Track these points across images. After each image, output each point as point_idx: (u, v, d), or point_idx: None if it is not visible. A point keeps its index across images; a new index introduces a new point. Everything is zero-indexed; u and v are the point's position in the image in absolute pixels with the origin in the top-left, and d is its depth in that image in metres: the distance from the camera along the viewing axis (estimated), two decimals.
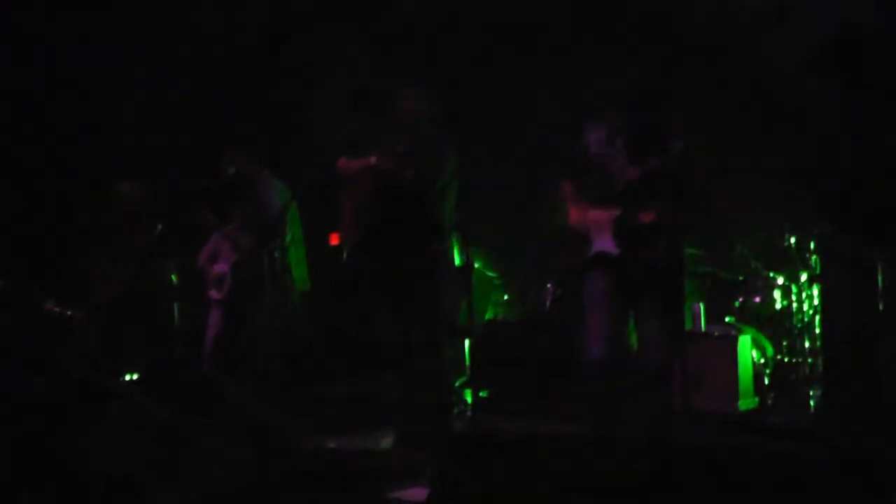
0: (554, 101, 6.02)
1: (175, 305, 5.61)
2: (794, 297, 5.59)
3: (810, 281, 5.50)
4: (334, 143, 4.96)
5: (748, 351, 5.50)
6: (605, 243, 3.91)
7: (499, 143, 6.48)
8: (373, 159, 4.41)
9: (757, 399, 5.46)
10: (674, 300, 3.99)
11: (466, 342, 5.99)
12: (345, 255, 4.60)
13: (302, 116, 6.88)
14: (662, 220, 3.80)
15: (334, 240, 4.85)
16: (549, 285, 6.45)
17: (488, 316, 6.91)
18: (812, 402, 5.38)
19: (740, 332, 5.62)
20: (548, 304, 6.42)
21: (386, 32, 6.62)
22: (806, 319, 5.54)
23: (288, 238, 5.19)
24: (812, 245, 5.50)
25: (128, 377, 5.42)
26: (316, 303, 5.94)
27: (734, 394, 5.35)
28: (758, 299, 5.79)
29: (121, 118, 6.53)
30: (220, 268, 5.63)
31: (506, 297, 7.00)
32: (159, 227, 5.67)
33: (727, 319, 5.84)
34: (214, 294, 5.62)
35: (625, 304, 3.94)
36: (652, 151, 3.86)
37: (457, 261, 4.97)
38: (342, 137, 5.01)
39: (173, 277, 5.72)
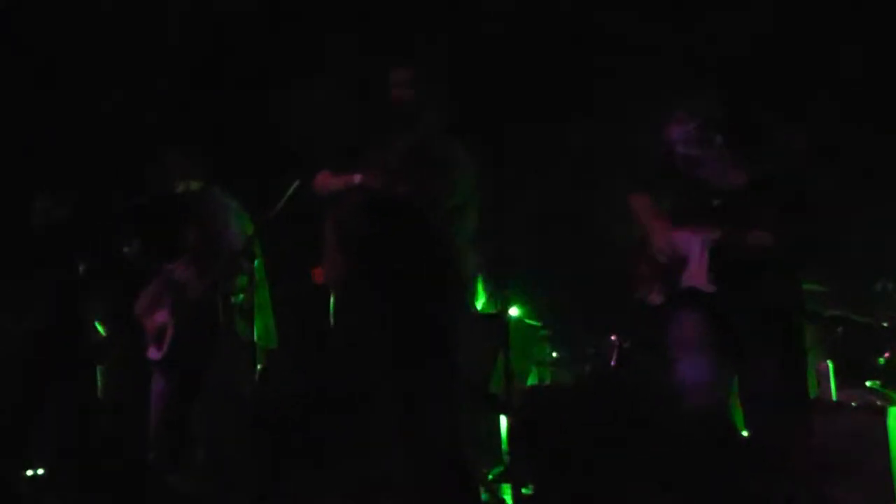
0: (617, 84, 6.07)
1: (99, 370, 5.70)
2: None
3: None
4: (310, 150, 5.04)
5: None
6: (697, 276, 3.86)
7: (540, 146, 6.68)
8: (357, 177, 4.43)
9: None
10: (793, 356, 3.91)
11: (502, 418, 5.95)
12: (331, 298, 4.59)
13: (265, 114, 7.04)
14: (779, 243, 3.75)
15: (318, 276, 4.78)
16: (613, 336, 6.39)
17: (531, 380, 6.89)
18: None
19: (889, 401, 5.38)
20: (613, 360, 6.36)
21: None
22: None
23: (245, 280, 5.20)
24: None
25: (30, 473, 5.40)
26: (292, 362, 6.04)
27: (886, 491, 5.02)
28: None
29: (42, 112, 6.88)
30: (161, 318, 5.55)
31: (554, 355, 6.99)
32: (81, 266, 5.77)
33: (868, 384, 5.67)
34: (154, 353, 5.54)
35: (726, 361, 3.86)
36: (763, 150, 3.84)
37: (486, 307, 5.10)
38: (321, 143, 5.13)
39: (99, 329, 5.75)
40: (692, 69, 4.27)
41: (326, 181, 4.59)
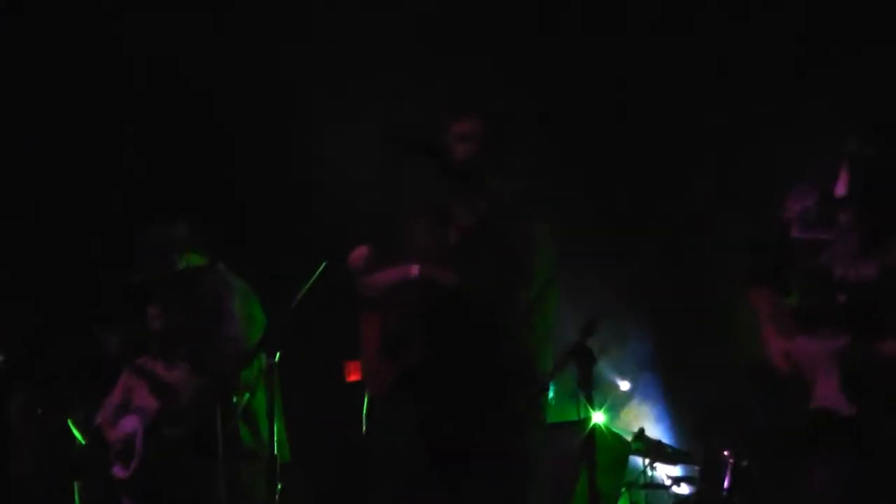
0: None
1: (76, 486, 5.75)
2: None
3: None
4: (344, 220, 5.29)
5: None
6: (829, 393, 3.77)
7: (627, 218, 6.78)
8: (414, 269, 4.33)
9: None
10: None
11: None
12: (367, 405, 4.61)
13: (288, 172, 7.11)
14: None
15: (353, 373, 5.09)
16: (725, 452, 6.22)
17: None
18: None
19: None
20: (726, 482, 6.19)
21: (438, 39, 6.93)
22: None
23: (252, 376, 5.23)
24: None
25: None
26: (314, 482, 5.86)
27: None
28: None
29: None
30: (128, 426, 5.51)
31: (650, 473, 6.86)
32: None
33: None
34: (119, 471, 5.50)
35: None
36: None
37: (565, 413, 5.05)
38: (357, 211, 4.78)
39: (77, 436, 5.76)
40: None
41: (367, 264, 4.50)
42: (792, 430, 3.95)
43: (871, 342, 3.77)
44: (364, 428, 4.68)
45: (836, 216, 3.93)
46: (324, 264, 4.68)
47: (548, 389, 4.42)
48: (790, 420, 3.94)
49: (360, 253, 4.53)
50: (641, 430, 6.90)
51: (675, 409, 7.43)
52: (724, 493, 6.21)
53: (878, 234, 3.87)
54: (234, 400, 5.17)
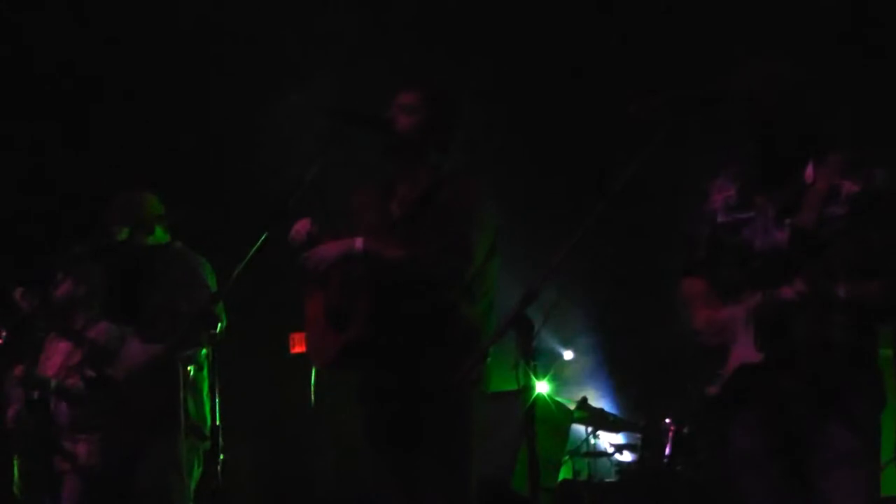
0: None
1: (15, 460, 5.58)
2: None
3: None
4: (288, 193, 4.75)
5: None
6: (745, 350, 3.83)
7: (572, 187, 6.84)
8: (358, 243, 4.32)
9: None
10: (867, 443, 3.75)
11: None
12: (314, 375, 4.60)
13: (235, 151, 7.10)
14: (820, 291, 3.67)
15: (298, 345, 5.13)
16: (667, 420, 6.32)
17: (563, 474, 6.87)
18: None
19: None
20: (667, 449, 6.31)
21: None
22: None
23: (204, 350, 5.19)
24: None
25: None
26: (255, 453, 5.92)
27: None
28: None
29: None
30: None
31: (592, 442, 6.92)
32: None
33: None
34: (63, 416, 5.38)
35: (792, 469, 3.81)
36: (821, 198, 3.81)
37: (506, 383, 4.77)
38: (301, 185, 4.78)
39: None
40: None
41: (307, 235, 4.49)
42: (717, 394, 3.97)
43: (774, 292, 3.82)
44: (312, 399, 4.68)
45: (754, 197, 4.00)
46: (264, 236, 4.66)
47: (487, 358, 4.43)
48: (713, 385, 3.96)
49: (301, 226, 4.52)
50: (584, 399, 6.95)
51: (618, 377, 7.47)
52: (666, 460, 6.30)
53: (789, 205, 3.91)
54: (191, 371, 5.18)
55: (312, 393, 4.65)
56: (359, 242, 4.32)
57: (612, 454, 6.89)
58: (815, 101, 4.04)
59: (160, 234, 5.55)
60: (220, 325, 4.95)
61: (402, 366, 4.34)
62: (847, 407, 3.73)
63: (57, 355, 5.57)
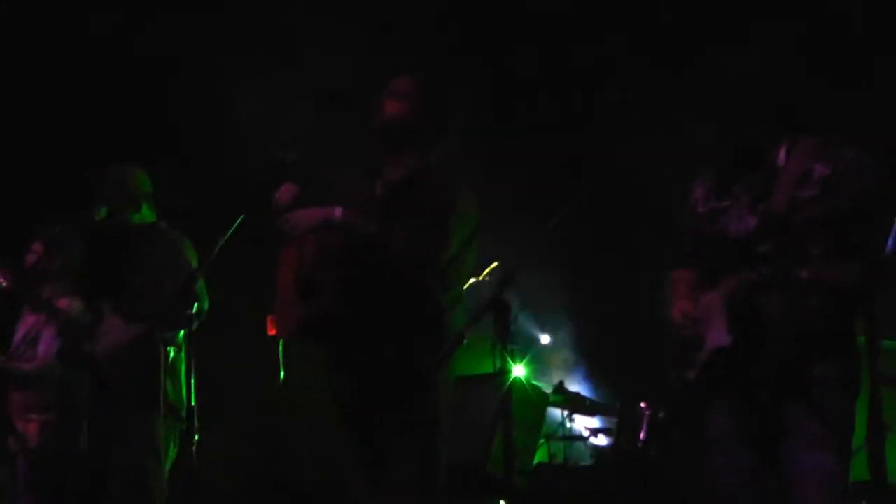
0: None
1: None
2: None
3: None
4: (270, 169, 4.86)
5: None
6: (719, 335, 3.89)
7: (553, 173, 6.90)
8: (338, 211, 4.33)
9: None
10: (839, 429, 3.78)
11: None
12: (282, 351, 4.80)
13: (207, 127, 7.10)
14: (783, 273, 3.74)
15: (273, 327, 4.79)
16: (642, 405, 6.35)
17: (539, 458, 6.82)
18: None
19: None
20: (642, 434, 6.31)
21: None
22: None
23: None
24: None
25: None
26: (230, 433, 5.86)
27: None
28: None
29: None
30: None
31: (569, 425, 6.89)
32: None
33: None
34: (24, 364, 5.53)
35: (765, 454, 3.86)
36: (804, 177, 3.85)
37: (483, 367, 4.96)
38: (284, 161, 4.84)
39: None
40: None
41: (301, 214, 4.46)
42: (693, 379, 4.00)
43: (745, 276, 3.88)
44: (282, 375, 4.70)
45: (730, 186, 4.03)
46: (241, 218, 4.62)
47: (461, 343, 4.32)
48: (690, 370, 4.01)
49: (287, 189, 4.51)
50: (561, 383, 6.94)
51: (594, 362, 7.46)
52: (641, 445, 6.28)
53: (762, 190, 3.95)
54: (171, 353, 5.19)
55: (281, 367, 4.78)
56: (338, 212, 4.31)
57: (588, 438, 6.90)
58: (788, 91, 4.08)
59: (146, 213, 5.53)
60: (197, 304, 4.98)
61: (367, 343, 4.32)
62: (819, 393, 3.75)
63: (20, 331, 5.59)
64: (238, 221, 4.66)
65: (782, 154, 3.85)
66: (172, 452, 5.35)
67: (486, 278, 5.78)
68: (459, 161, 4.54)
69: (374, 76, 4.70)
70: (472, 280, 4.86)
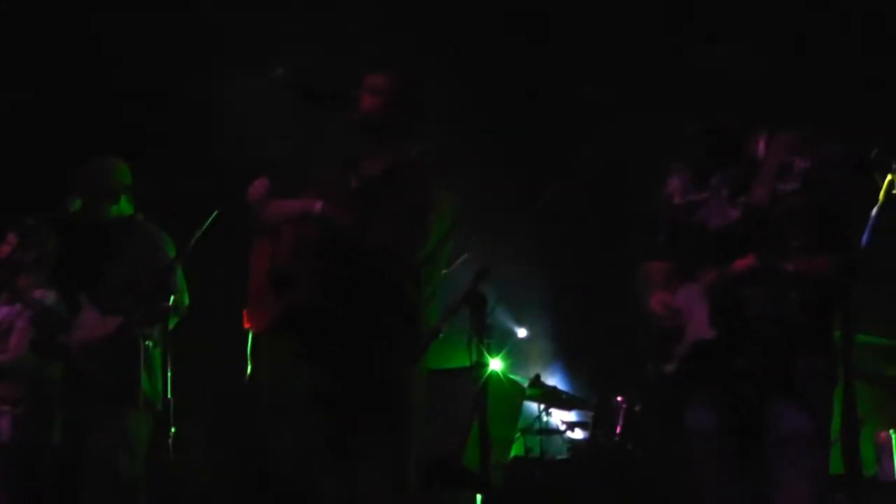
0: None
1: None
2: None
3: None
4: (246, 162, 5.03)
5: None
6: (700, 327, 3.88)
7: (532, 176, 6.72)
8: (318, 205, 4.34)
9: None
10: (819, 422, 3.77)
11: (478, 500, 5.97)
12: (251, 344, 4.62)
13: (188, 121, 7.05)
14: (769, 266, 3.70)
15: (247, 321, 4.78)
16: (618, 398, 6.34)
17: (515, 451, 6.83)
18: None
19: None
20: (618, 428, 6.33)
21: None
22: None
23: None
24: None
25: None
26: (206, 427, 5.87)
27: None
28: None
29: None
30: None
31: (544, 419, 6.94)
32: None
33: None
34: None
35: (745, 447, 3.85)
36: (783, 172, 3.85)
37: (458, 360, 4.84)
38: (260, 155, 4.95)
39: None
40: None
41: (278, 205, 4.46)
42: (673, 372, 4.00)
43: (728, 268, 3.86)
44: (248, 368, 4.66)
45: (708, 178, 4.02)
46: (216, 213, 4.64)
47: (437, 337, 4.32)
48: (669, 364, 4.01)
49: (259, 184, 4.49)
50: (537, 376, 6.95)
51: (571, 355, 7.49)
52: (617, 438, 6.31)
53: (741, 183, 3.94)
54: (149, 345, 5.16)
55: (248, 360, 4.64)
56: (318, 205, 4.31)
57: (564, 432, 6.90)
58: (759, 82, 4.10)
59: (124, 205, 5.49)
60: (174, 297, 5.10)
61: (342, 336, 4.31)
62: (799, 386, 3.76)
63: None
64: (213, 216, 4.67)
65: (761, 146, 3.86)
66: (147, 446, 5.30)
67: (459, 266, 5.81)
68: (437, 155, 4.55)
69: (357, 72, 4.68)
70: (444, 271, 4.84)
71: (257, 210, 4.48)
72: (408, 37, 6.90)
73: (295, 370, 4.46)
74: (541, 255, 7.06)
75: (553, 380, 7.32)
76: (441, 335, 4.38)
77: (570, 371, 7.48)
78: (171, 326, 5.27)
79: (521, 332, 7.80)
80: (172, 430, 5.06)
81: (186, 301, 5.39)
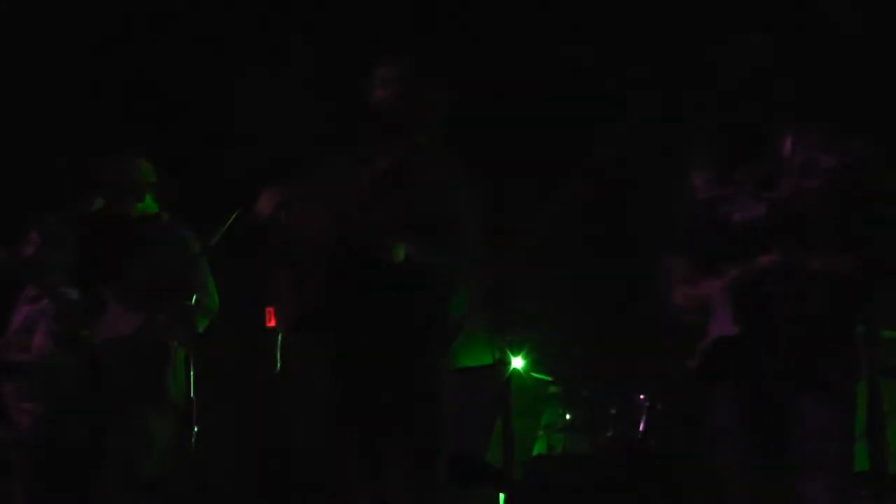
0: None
1: None
2: None
3: None
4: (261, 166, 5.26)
5: None
6: (724, 323, 3.88)
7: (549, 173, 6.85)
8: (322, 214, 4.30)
9: None
10: (844, 419, 3.80)
11: (501, 497, 5.88)
12: (280, 341, 4.74)
13: (205, 121, 7.09)
14: (795, 262, 3.73)
15: (272, 318, 4.75)
16: (640, 396, 6.35)
17: (538, 448, 6.81)
18: None
19: None
20: (641, 425, 6.28)
21: None
22: None
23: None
24: None
25: None
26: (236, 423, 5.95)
27: None
28: None
29: None
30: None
31: (568, 417, 6.83)
32: None
33: None
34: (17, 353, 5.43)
35: (769, 443, 3.85)
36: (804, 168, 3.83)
37: (482, 357, 5.06)
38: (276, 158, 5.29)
39: None
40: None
41: (275, 204, 4.40)
42: (696, 368, 3.99)
43: (752, 264, 3.85)
44: (278, 365, 4.71)
45: (732, 173, 4.01)
46: (236, 213, 4.68)
47: (458, 333, 4.42)
48: (692, 360, 3.99)
49: (267, 198, 4.42)
50: (559, 374, 6.87)
51: (593, 353, 7.31)
52: (640, 436, 6.27)
53: (766, 179, 3.94)
54: (177, 347, 5.16)
55: (278, 358, 4.74)
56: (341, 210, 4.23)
57: (587, 429, 6.78)
58: (787, 82, 4.04)
59: (150, 203, 5.48)
60: (196, 296, 5.17)
61: (368, 337, 4.28)
62: (824, 380, 3.76)
63: (15, 321, 5.54)
64: (233, 216, 4.68)
65: (788, 143, 3.84)
66: (171, 445, 5.30)
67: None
68: (450, 149, 4.53)
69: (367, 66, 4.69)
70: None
71: (270, 225, 4.44)
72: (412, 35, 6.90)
73: (322, 372, 4.42)
74: (560, 252, 7.02)
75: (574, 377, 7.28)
76: (463, 328, 4.40)
77: (592, 369, 7.28)
78: (200, 329, 5.28)
79: (543, 330, 7.77)
80: (195, 429, 5.15)
81: (216, 303, 5.38)
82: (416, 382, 4.30)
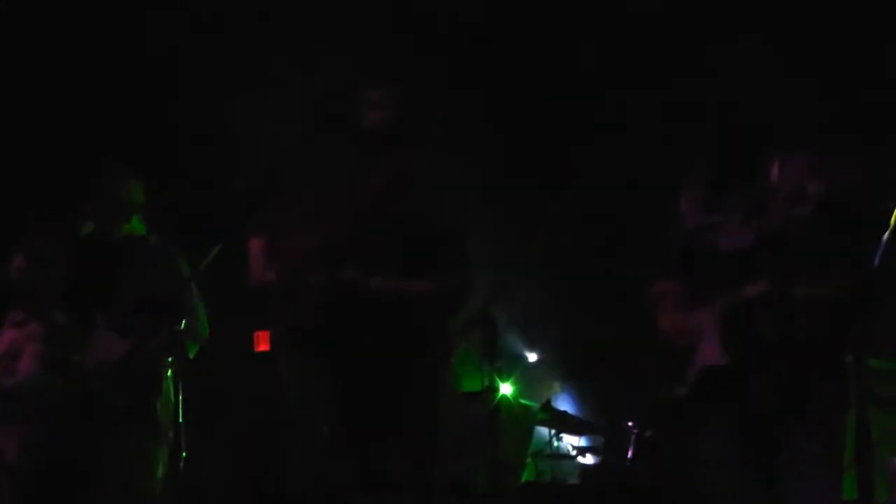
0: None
1: None
2: None
3: None
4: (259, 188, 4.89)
5: None
6: (711, 352, 3.85)
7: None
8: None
9: None
10: (833, 447, 3.77)
11: None
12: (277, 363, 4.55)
13: (202, 142, 7.01)
14: (782, 290, 3.68)
15: (263, 343, 5.13)
16: (629, 423, 6.32)
17: (527, 475, 6.83)
18: None
19: None
20: (630, 452, 6.29)
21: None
22: None
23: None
24: None
25: None
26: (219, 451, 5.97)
27: None
28: None
29: None
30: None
31: (556, 444, 6.91)
32: None
33: None
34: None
35: (760, 470, 3.82)
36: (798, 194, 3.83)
37: (471, 383, 5.07)
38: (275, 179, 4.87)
39: None
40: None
41: (262, 257, 4.38)
42: (684, 396, 3.97)
43: (740, 292, 3.85)
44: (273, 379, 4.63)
45: (721, 200, 4.00)
46: (217, 248, 4.64)
47: (452, 352, 4.44)
48: (680, 388, 3.98)
49: (255, 260, 4.44)
50: (548, 401, 6.93)
51: (581, 380, 7.46)
52: (628, 463, 6.30)
53: (755, 207, 3.94)
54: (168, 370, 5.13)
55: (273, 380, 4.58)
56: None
57: (575, 456, 6.86)
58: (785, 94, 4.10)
59: (136, 225, 5.42)
60: (184, 321, 5.09)
61: (368, 353, 4.26)
62: (813, 408, 3.74)
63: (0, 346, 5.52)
64: (215, 250, 4.65)
65: (775, 170, 3.85)
66: (161, 470, 5.24)
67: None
68: (443, 164, 4.55)
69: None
70: None
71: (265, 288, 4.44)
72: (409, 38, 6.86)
73: (320, 388, 4.40)
74: (551, 279, 7.02)
75: (564, 404, 7.29)
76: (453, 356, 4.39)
77: (580, 396, 7.45)
78: (190, 355, 5.21)
79: (532, 357, 7.78)
80: (183, 455, 5.08)
81: (206, 331, 5.36)
82: (415, 389, 4.29)
